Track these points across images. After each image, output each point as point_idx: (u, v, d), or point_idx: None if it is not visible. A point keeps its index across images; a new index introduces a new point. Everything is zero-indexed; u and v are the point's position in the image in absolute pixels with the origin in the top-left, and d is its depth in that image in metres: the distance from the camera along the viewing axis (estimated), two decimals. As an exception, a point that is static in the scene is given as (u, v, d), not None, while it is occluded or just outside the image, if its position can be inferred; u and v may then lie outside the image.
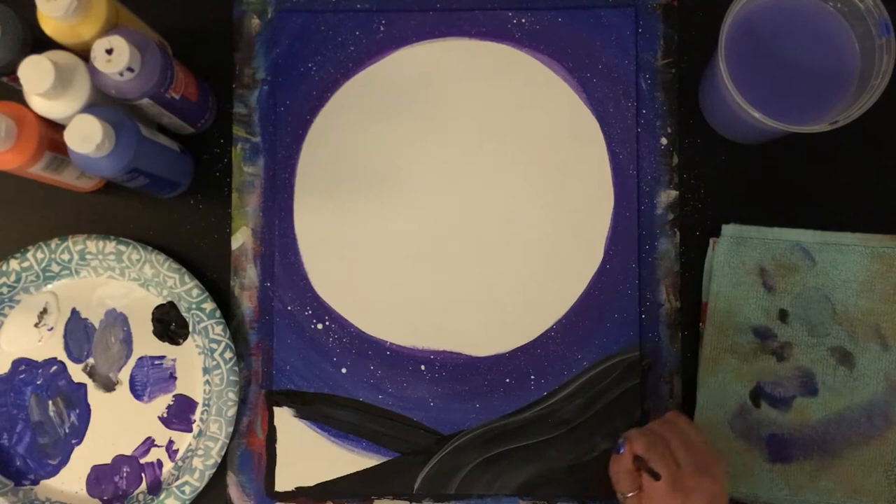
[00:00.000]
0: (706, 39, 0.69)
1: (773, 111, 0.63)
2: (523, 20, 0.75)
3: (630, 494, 0.63)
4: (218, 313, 0.71)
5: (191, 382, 0.73)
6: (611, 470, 0.65)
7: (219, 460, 0.70)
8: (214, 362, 0.71)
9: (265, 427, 0.72)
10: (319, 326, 0.73)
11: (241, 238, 0.74)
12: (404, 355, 0.73)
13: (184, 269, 0.72)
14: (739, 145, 0.74)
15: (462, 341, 0.73)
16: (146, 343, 0.73)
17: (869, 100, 0.63)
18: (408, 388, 0.73)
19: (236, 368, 0.71)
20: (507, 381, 0.72)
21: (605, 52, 0.74)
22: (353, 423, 0.72)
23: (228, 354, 0.71)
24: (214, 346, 0.71)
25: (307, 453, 0.72)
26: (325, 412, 0.72)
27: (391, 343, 0.73)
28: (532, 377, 0.72)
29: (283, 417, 0.72)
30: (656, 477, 0.60)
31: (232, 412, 0.71)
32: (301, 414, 0.72)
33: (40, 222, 0.74)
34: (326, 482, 0.72)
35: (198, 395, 0.73)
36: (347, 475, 0.72)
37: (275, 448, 0.72)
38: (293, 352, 0.73)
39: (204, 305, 0.71)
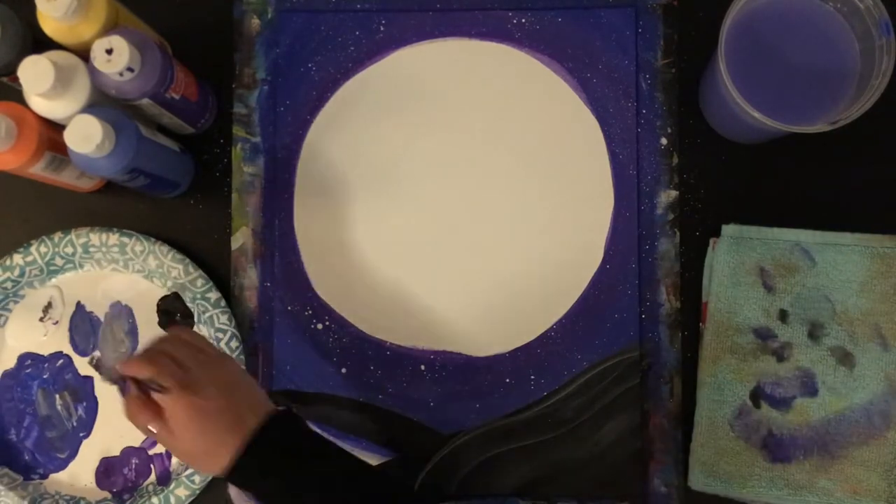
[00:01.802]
0: (706, 39, 0.69)
1: (773, 111, 0.63)
2: (523, 20, 0.75)
3: (153, 427, 0.56)
4: (223, 303, 0.72)
5: (198, 373, 0.73)
6: (126, 414, 0.58)
7: None
8: None
9: (265, 427, 0.72)
10: (319, 326, 0.73)
11: (241, 238, 0.74)
12: (404, 355, 0.73)
13: (187, 260, 0.72)
14: (739, 145, 0.74)
15: (462, 341, 0.73)
16: (152, 334, 0.73)
17: (869, 100, 0.63)
18: (408, 388, 0.73)
19: (242, 357, 0.71)
20: (508, 381, 0.72)
21: (605, 52, 0.74)
22: (353, 423, 0.72)
23: (234, 343, 0.71)
24: (220, 335, 0.71)
25: (307, 453, 0.72)
26: (325, 412, 0.72)
27: (391, 343, 0.73)
28: (532, 377, 0.72)
29: (283, 417, 0.72)
30: (162, 387, 0.56)
31: None
32: (301, 414, 0.72)
33: (40, 223, 0.74)
34: (326, 482, 0.72)
35: None
36: (347, 475, 0.72)
37: (275, 448, 0.72)
38: (293, 352, 0.73)
39: (209, 295, 0.72)
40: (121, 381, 0.59)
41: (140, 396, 0.57)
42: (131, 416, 0.58)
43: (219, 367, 0.58)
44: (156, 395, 0.56)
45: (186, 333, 0.61)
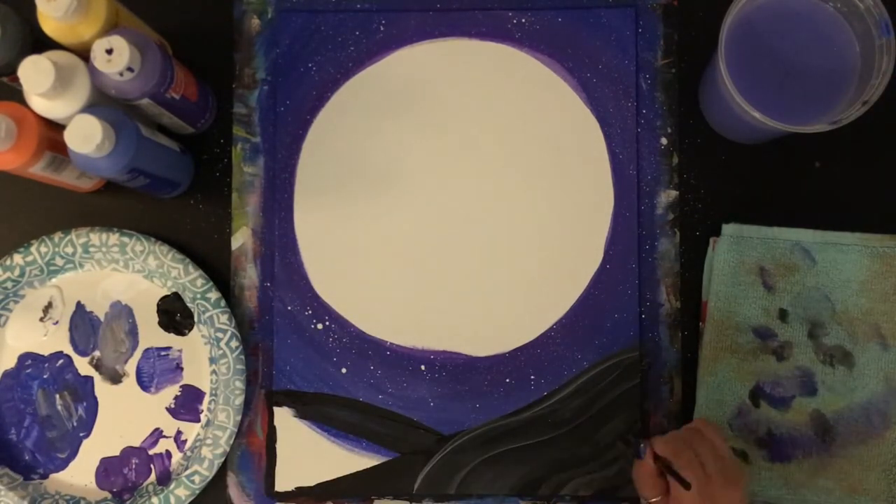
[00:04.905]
0: (706, 39, 0.69)
1: (773, 111, 0.63)
2: (523, 20, 0.75)
3: (654, 500, 0.62)
4: (223, 302, 0.72)
5: (197, 372, 0.73)
6: (634, 474, 0.64)
7: (227, 449, 0.70)
8: (221, 351, 0.71)
9: (265, 427, 0.72)
10: (319, 326, 0.73)
11: (241, 238, 0.74)
12: (404, 355, 0.73)
13: (187, 259, 0.72)
14: (739, 145, 0.74)
15: (462, 341, 0.73)
16: (152, 334, 0.73)
17: (869, 100, 0.63)
18: (408, 388, 0.73)
19: (242, 357, 0.71)
20: (507, 381, 0.72)
21: (605, 52, 0.74)
22: (353, 423, 0.72)
23: (234, 343, 0.71)
24: (220, 335, 0.71)
25: (307, 453, 0.72)
26: (325, 412, 0.72)
27: (391, 343, 0.73)
28: (532, 377, 0.72)
29: (283, 417, 0.72)
30: (686, 485, 0.59)
31: (240, 401, 0.71)
32: (301, 414, 0.72)
33: (40, 223, 0.74)
34: (326, 482, 0.72)
35: (205, 385, 0.73)
36: (347, 475, 0.72)
37: (275, 448, 0.72)
38: (293, 352, 0.73)
39: (209, 295, 0.72)
40: (636, 442, 0.63)
41: (654, 469, 0.62)
42: (638, 479, 0.63)
43: (737, 491, 0.60)
44: (674, 487, 0.60)
45: (709, 429, 0.63)
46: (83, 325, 0.74)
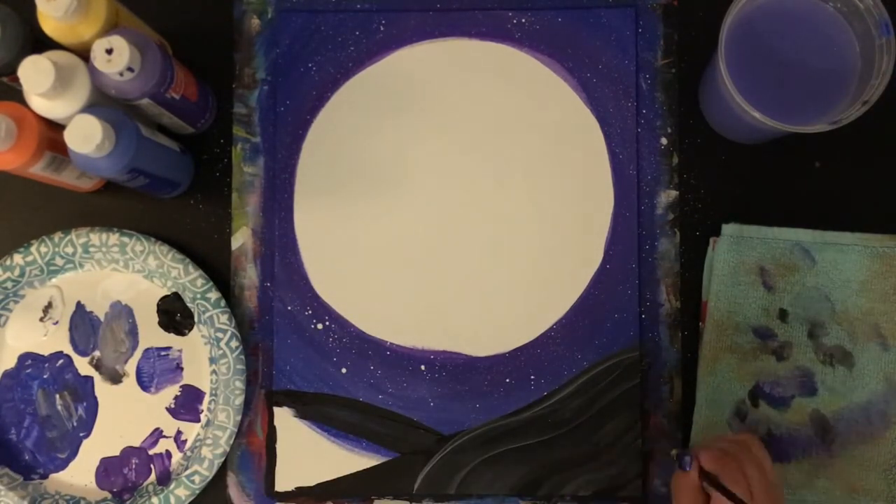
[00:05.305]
0: (706, 39, 0.69)
1: (773, 111, 0.63)
2: (523, 20, 0.75)
3: None
4: (223, 303, 0.72)
5: (198, 372, 0.73)
6: (673, 485, 0.61)
7: (227, 449, 0.70)
8: (221, 351, 0.71)
9: (265, 427, 0.73)
10: (319, 326, 0.73)
11: (241, 238, 0.74)
12: (404, 355, 0.73)
13: (188, 259, 0.72)
14: (739, 145, 0.74)
15: (462, 341, 0.73)
16: (152, 334, 0.73)
17: (869, 100, 0.63)
18: (408, 388, 0.73)
19: (242, 357, 0.71)
20: (507, 381, 0.72)
21: (605, 52, 0.74)
22: (353, 423, 0.72)
23: (234, 343, 0.71)
24: (220, 335, 0.71)
25: (307, 453, 0.72)
26: (325, 412, 0.72)
27: (391, 343, 0.73)
28: (532, 377, 0.72)
29: (283, 417, 0.72)
30: (734, 501, 0.57)
31: (240, 401, 0.71)
32: (301, 414, 0.72)
33: (40, 223, 0.74)
34: (326, 482, 0.72)
35: (205, 385, 0.73)
36: (347, 475, 0.72)
37: (275, 448, 0.72)
38: (293, 352, 0.73)
39: (209, 295, 0.72)
40: (682, 454, 0.61)
41: (698, 483, 0.59)
42: (677, 490, 0.60)
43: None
44: (717, 499, 0.57)
45: (756, 446, 0.61)
46: (83, 325, 0.74)
